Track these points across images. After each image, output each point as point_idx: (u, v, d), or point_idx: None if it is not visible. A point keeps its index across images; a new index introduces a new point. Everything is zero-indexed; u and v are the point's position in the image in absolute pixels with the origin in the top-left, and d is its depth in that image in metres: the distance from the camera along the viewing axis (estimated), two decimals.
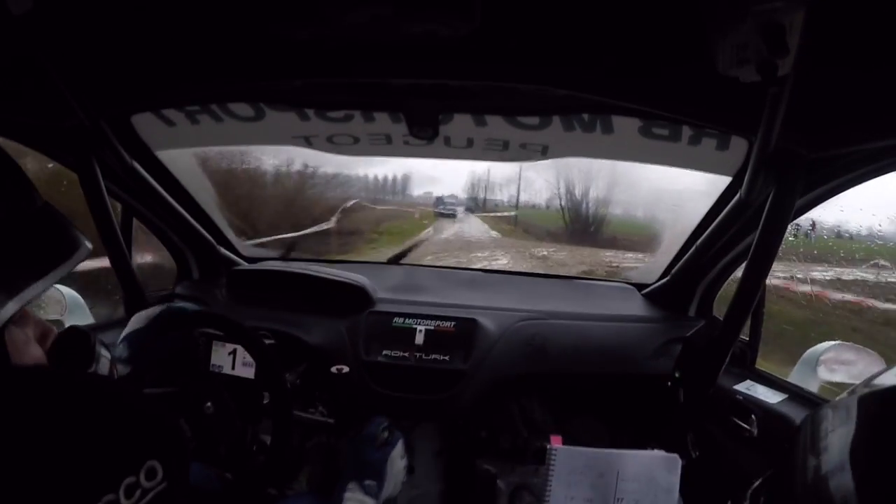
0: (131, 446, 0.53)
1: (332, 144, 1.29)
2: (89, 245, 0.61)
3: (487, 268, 2.08)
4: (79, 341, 0.68)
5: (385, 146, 1.28)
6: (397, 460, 1.10)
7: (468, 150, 1.27)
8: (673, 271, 1.53)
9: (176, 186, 1.47)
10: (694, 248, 1.38)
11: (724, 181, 1.22)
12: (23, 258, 0.54)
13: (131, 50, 0.93)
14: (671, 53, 0.81)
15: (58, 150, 1.20)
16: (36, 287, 0.54)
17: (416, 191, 5.27)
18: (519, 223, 5.68)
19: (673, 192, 1.47)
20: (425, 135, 1.17)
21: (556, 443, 1.10)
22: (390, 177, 5.11)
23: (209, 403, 1.09)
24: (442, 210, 5.46)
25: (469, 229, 5.63)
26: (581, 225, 4.68)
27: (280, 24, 0.80)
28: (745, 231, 1.20)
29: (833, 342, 1.46)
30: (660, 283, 1.60)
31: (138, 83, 1.03)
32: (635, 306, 1.60)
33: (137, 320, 1.08)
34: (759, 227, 1.00)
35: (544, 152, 1.24)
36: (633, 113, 1.06)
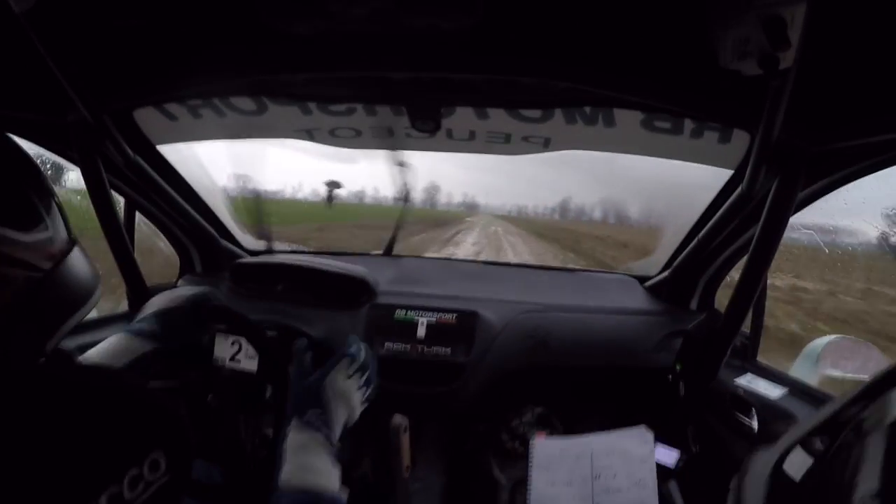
0: (135, 438, 0.53)
1: (334, 138, 1.30)
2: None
3: (489, 260, 2.09)
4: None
5: (387, 139, 1.28)
6: (339, 379, 0.91)
7: (470, 142, 1.27)
8: (674, 264, 1.52)
9: (178, 180, 1.48)
10: (695, 241, 1.38)
11: (725, 174, 1.22)
12: (64, 297, 0.57)
13: (133, 45, 0.93)
14: (673, 47, 0.81)
15: (61, 145, 1.20)
16: (69, 324, 0.58)
17: None
18: None
19: (674, 185, 1.46)
20: (427, 128, 1.17)
21: (539, 439, 1.15)
22: None
23: (212, 396, 1.10)
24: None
25: None
26: None
27: (281, 18, 0.80)
28: (746, 224, 1.20)
29: (834, 336, 1.46)
30: (661, 275, 1.60)
31: (140, 78, 1.03)
32: (637, 299, 1.60)
33: (169, 299, 1.05)
34: (761, 220, 1.00)
35: (546, 145, 1.24)
36: (636, 106, 1.06)
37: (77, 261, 0.59)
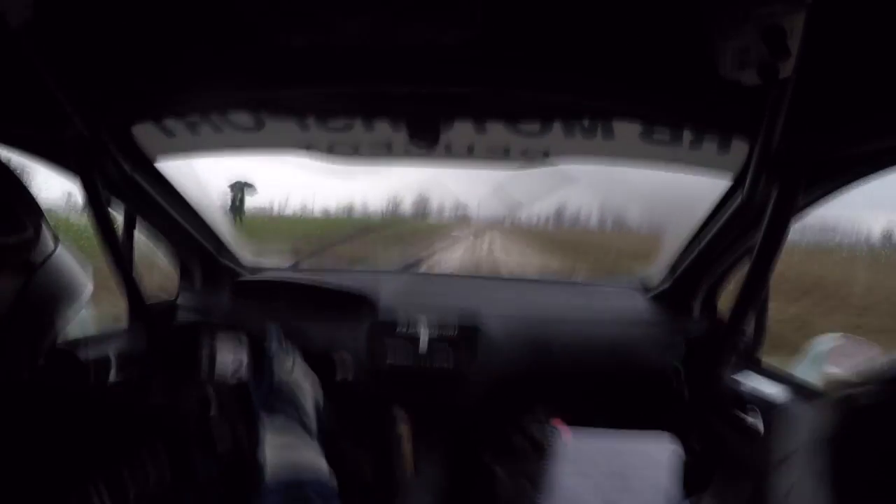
0: (139, 438, 0.55)
1: (333, 154, 1.29)
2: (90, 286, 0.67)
3: (490, 274, 2.09)
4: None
5: (385, 155, 1.28)
6: (285, 374, 0.93)
7: (469, 157, 1.26)
8: (677, 273, 1.52)
9: (177, 196, 1.47)
10: (697, 249, 1.38)
11: (726, 183, 1.22)
12: (52, 295, 0.59)
13: (131, 60, 0.93)
14: (673, 57, 0.81)
15: (58, 160, 1.20)
16: (63, 321, 0.61)
17: None
18: None
19: (676, 194, 1.46)
20: (426, 143, 1.17)
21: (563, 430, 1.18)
22: None
23: (214, 409, 1.10)
24: None
25: None
26: None
27: (278, 32, 0.80)
28: (747, 232, 1.20)
29: (837, 335, 1.45)
30: (664, 284, 1.60)
31: (139, 93, 1.03)
32: (639, 308, 1.60)
33: None
34: (762, 228, 1.00)
35: (545, 158, 1.24)
36: (634, 117, 1.06)
37: (64, 259, 0.61)
